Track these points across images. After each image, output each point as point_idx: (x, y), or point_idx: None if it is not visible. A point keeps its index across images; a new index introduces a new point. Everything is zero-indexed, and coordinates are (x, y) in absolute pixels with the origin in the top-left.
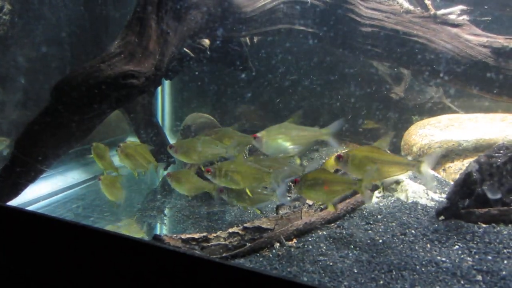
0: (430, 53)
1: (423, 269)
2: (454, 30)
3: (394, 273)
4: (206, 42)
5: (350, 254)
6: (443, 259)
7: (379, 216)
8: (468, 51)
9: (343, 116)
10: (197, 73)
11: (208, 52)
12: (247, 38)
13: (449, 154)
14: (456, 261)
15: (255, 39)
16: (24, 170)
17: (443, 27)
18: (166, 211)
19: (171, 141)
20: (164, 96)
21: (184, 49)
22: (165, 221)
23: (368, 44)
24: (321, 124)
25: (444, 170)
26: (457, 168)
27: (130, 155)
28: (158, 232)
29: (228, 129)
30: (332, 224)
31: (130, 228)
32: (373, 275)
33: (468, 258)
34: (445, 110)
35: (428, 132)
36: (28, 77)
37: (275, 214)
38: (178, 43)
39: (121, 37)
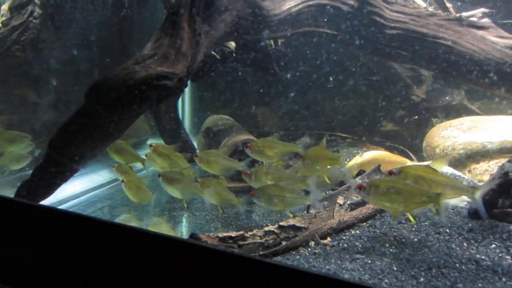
0: (456, 55)
1: (463, 267)
2: (480, 32)
3: (434, 271)
4: (232, 44)
5: (387, 252)
6: (482, 257)
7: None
8: (494, 53)
9: (361, 118)
10: (218, 76)
11: (234, 55)
12: (272, 41)
13: (473, 155)
14: (495, 259)
15: (279, 42)
16: (59, 170)
17: (469, 30)
18: (195, 210)
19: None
20: (184, 98)
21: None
22: (195, 221)
23: (393, 47)
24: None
25: (469, 171)
26: (482, 170)
27: (164, 154)
28: (188, 232)
29: (268, 139)
30: (364, 224)
31: (160, 227)
32: (413, 273)
33: (507, 257)
34: (466, 112)
35: (451, 134)
36: (59, 79)
37: (305, 213)
38: (209, 45)
39: (154, 39)
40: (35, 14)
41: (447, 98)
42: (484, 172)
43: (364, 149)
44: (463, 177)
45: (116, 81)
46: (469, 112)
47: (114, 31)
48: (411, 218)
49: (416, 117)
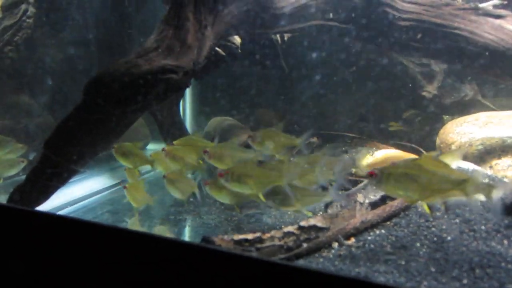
0: (473, 46)
1: (509, 266)
2: (498, 21)
3: (477, 271)
4: (237, 40)
5: (421, 253)
6: None
7: (437, 213)
8: None
9: (369, 116)
10: (222, 74)
11: (240, 51)
12: (278, 36)
13: (494, 151)
14: None
15: (285, 37)
16: (56, 172)
17: (486, 19)
18: (202, 214)
19: None
20: (185, 100)
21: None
22: (203, 225)
23: (406, 39)
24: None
25: (491, 167)
26: (505, 165)
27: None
28: (196, 236)
29: (271, 129)
30: (388, 223)
31: (166, 233)
32: (454, 274)
33: None
34: (480, 107)
35: (467, 130)
36: (55, 79)
37: (323, 212)
38: (215, 38)
39: (158, 31)
40: (29, 13)
41: (460, 93)
42: (508, 167)
43: (374, 148)
44: (486, 173)
45: (117, 73)
46: (483, 108)
47: (113, 29)
48: (426, 209)
49: (428, 114)
